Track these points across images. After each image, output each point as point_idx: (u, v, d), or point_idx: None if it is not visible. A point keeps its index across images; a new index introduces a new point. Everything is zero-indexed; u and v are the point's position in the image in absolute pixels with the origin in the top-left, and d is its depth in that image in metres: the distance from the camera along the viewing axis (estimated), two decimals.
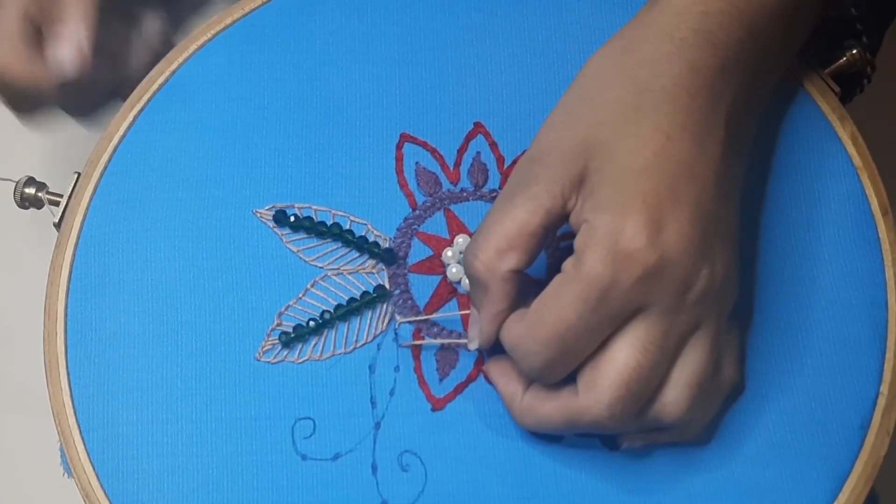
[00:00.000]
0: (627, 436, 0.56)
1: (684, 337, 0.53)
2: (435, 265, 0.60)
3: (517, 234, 0.53)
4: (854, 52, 0.64)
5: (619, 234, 0.51)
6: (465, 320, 0.59)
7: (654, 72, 0.53)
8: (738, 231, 0.55)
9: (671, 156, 0.52)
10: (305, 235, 0.60)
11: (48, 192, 0.61)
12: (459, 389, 0.58)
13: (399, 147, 0.61)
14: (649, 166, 0.52)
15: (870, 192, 0.62)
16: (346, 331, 0.58)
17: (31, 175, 0.62)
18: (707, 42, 0.54)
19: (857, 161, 0.62)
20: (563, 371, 0.53)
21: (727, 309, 0.55)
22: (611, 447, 0.57)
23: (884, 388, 0.59)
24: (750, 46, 0.55)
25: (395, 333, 0.58)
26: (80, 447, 0.57)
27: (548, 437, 0.57)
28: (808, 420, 0.58)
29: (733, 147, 0.54)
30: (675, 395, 0.53)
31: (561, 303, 0.51)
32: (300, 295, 0.58)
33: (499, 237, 0.53)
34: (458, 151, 0.61)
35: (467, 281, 0.58)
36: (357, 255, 0.60)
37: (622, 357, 0.52)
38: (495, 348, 0.55)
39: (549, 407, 0.54)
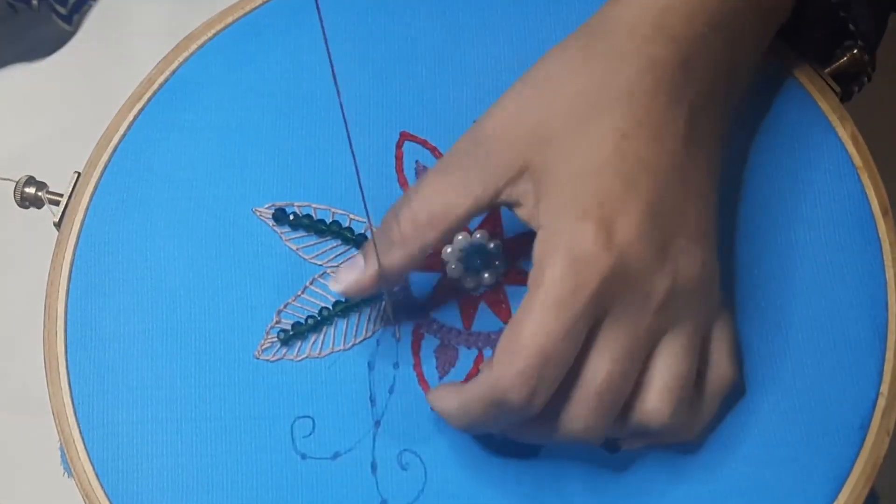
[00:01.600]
0: (625, 439, 0.56)
1: (654, 339, 0.52)
2: (434, 262, 0.60)
3: (441, 215, 0.53)
4: (855, 51, 0.64)
5: (576, 238, 0.50)
6: (464, 316, 0.59)
7: (613, 67, 0.53)
8: (715, 228, 0.55)
9: (627, 153, 0.51)
10: (305, 233, 0.60)
11: (48, 192, 0.61)
12: None
13: (399, 146, 0.61)
14: (605, 165, 0.51)
15: (870, 192, 0.62)
16: (345, 328, 0.58)
17: (31, 174, 0.62)
18: (668, 37, 0.53)
19: (857, 161, 0.62)
20: (548, 392, 0.51)
21: (705, 309, 0.54)
22: (610, 449, 0.57)
23: (884, 389, 0.59)
24: (713, 40, 0.54)
25: (395, 329, 0.58)
26: (80, 446, 0.57)
27: None
28: (807, 420, 0.58)
29: (697, 142, 0.53)
30: (656, 401, 0.53)
31: (534, 315, 0.50)
32: (299, 293, 0.58)
33: (423, 212, 0.53)
34: None
35: (468, 279, 0.59)
36: (357, 252, 0.60)
37: (591, 368, 0.51)
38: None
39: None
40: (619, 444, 0.56)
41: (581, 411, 0.52)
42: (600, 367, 0.51)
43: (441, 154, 0.61)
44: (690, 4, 0.54)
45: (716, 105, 0.55)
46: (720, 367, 0.55)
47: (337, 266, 0.59)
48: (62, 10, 0.75)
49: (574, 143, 0.52)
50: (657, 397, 0.53)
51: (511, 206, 0.53)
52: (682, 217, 0.52)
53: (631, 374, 0.52)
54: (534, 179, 0.52)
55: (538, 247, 0.51)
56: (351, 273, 0.55)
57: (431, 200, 0.53)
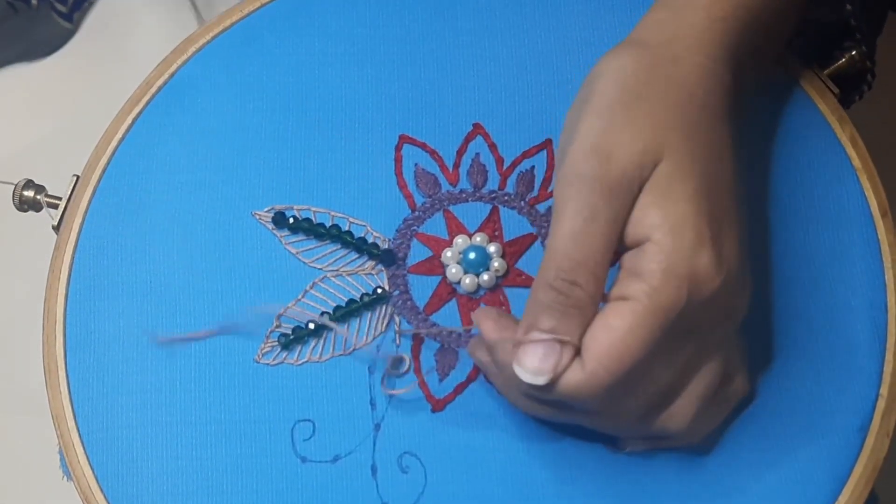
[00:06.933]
0: (630, 440, 0.56)
1: (712, 354, 0.53)
2: (434, 266, 0.60)
3: (602, 257, 0.51)
4: (854, 52, 0.64)
5: (695, 259, 0.49)
6: (464, 318, 0.59)
7: (704, 88, 0.52)
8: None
9: (720, 176, 0.51)
10: (304, 237, 0.59)
11: (47, 195, 0.61)
12: (459, 390, 0.58)
13: (398, 148, 0.61)
14: (711, 186, 0.51)
15: (869, 193, 0.62)
16: (345, 333, 0.58)
17: (30, 177, 0.62)
18: (726, 59, 0.53)
19: (856, 162, 0.62)
20: (619, 403, 0.51)
21: (738, 323, 0.54)
22: (613, 448, 0.57)
23: (883, 390, 0.59)
24: (750, 65, 0.55)
25: (395, 335, 0.58)
26: (80, 450, 0.57)
27: (548, 438, 0.57)
28: (807, 422, 0.58)
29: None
30: (683, 406, 0.53)
31: (639, 335, 0.49)
32: (299, 297, 0.58)
33: (587, 265, 0.50)
34: (457, 153, 0.61)
35: (468, 281, 0.59)
36: (356, 256, 0.60)
37: (652, 374, 0.51)
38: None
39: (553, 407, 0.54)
40: (623, 445, 0.57)
41: (626, 408, 0.52)
42: (660, 375, 0.51)
43: (440, 157, 0.61)
44: (739, 31, 0.54)
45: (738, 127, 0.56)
46: (738, 382, 0.56)
47: (337, 270, 0.59)
48: (62, 9, 0.75)
49: (685, 160, 0.51)
50: (686, 403, 0.53)
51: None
52: (745, 239, 0.53)
53: (680, 382, 0.53)
54: (645, 193, 0.51)
55: (646, 261, 0.50)
56: (548, 359, 0.51)
57: (583, 249, 0.50)
